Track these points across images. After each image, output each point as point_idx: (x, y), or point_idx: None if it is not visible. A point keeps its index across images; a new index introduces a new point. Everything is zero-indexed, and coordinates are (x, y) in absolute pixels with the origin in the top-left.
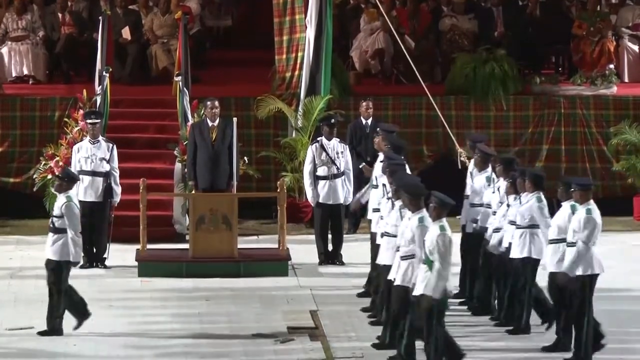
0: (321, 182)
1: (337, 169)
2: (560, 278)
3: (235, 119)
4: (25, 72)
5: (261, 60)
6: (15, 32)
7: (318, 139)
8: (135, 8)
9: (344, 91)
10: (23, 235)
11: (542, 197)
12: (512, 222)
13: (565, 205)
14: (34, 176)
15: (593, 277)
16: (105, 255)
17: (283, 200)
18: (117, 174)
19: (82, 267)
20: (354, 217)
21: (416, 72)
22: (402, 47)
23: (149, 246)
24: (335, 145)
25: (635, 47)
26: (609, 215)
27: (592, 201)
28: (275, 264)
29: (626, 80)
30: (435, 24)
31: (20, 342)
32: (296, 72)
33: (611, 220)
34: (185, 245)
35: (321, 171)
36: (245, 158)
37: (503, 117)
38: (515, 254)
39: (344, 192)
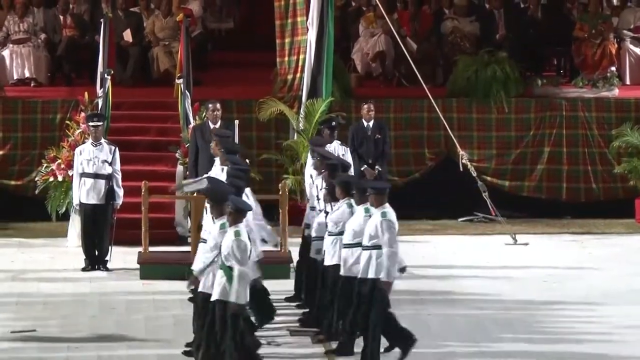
0: None
1: None
2: (385, 286)
3: (236, 122)
4: (27, 74)
5: (263, 63)
6: (17, 35)
7: None
8: (137, 10)
9: (345, 93)
10: (25, 238)
11: (353, 203)
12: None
13: (359, 209)
14: (36, 179)
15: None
16: (107, 258)
17: (285, 203)
18: (119, 176)
19: (84, 269)
20: None
21: (418, 74)
22: (404, 49)
23: (151, 248)
24: (336, 148)
25: (637, 50)
26: (610, 218)
27: (387, 204)
28: (277, 266)
29: (628, 82)
30: (437, 26)
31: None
32: (298, 75)
33: (613, 223)
34: (187, 248)
35: None
36: (247, 160)
37: (505, 119)
38: (327, 261)
39: None
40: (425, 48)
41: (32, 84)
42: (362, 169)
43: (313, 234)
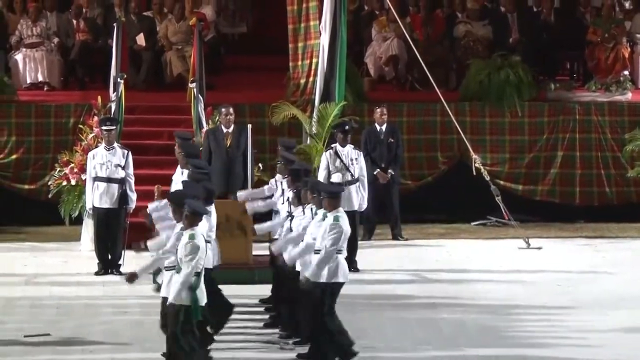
0: None
1: (352, 175)
2: (303, 283)
3: (249, 126)
4: (40, 78)
5: (276, 67)
6: (30, 39)
7: (332, 145)
8: (150, 15)
9: (358, 97)
10: (38, 242)
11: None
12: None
13: (319, 213)
14: (49, 183)
15: (336, 286)
16: (120, 262)
17: None
18: (132, 180)
19: (97, 273)
20: (369, 223)
21: (430, 78)
22: (417, 53)
23: None
24: (349, 152)
25: None
26: (623, 222)
27: (341, 209)
28: None
29: None
30: (450, 30)
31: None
32: (311, 79)
33: (626, 227)
34: None
35: (335, 178)
36: (260, 164)
37: (518, 123)
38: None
39: (359, 198)
40: (438, 52)
41: (45, 88)
42: (374, 172)
43: (277, 236)
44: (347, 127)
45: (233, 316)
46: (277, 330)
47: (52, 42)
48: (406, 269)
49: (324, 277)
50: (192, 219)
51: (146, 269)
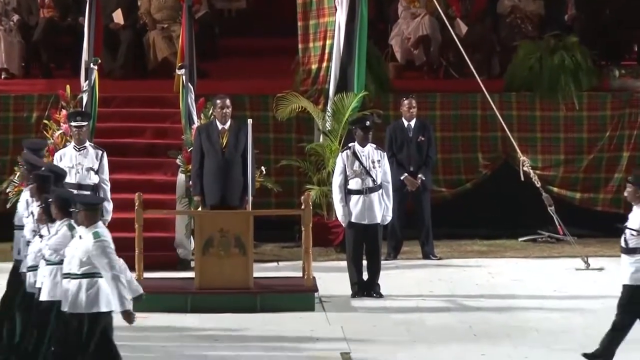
0: (354, 198)
1: (373, 181)
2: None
3: (250, 121)
4: None
5: (282, 50)
6: None
7: (350, 145)
8: None
9: (381, 87)
10: None
11: (74, 224)
12: (44, 257)
13: (82, 231)
14: (7, 190)
15: (97, 316)
16: None
17: (308, 219)
18: (107, 187)
19: None
20: (395, 239)
21: (469, 63)
22: (452, 33)
23: (146, 274)
24: (370, 153)
25: None
26: None
27: (100, 223)
28: (299, 296)
29: None
30: (493, 5)
31: None
32: (324, 64)
33: None
34: (191, 274)
35: (354, 184)
36: (263, 168)
37: (575, 117)
38: (44, 295)
39: (382, 209)
40: (478, 32)
41: (2, 76)
42: (401, 178)
43: (28, 263)
44: (367, 123)
45: None
46: None
47: (10, 20)
48: (439, 294)
49: (83, 307)
50: None
51: None
